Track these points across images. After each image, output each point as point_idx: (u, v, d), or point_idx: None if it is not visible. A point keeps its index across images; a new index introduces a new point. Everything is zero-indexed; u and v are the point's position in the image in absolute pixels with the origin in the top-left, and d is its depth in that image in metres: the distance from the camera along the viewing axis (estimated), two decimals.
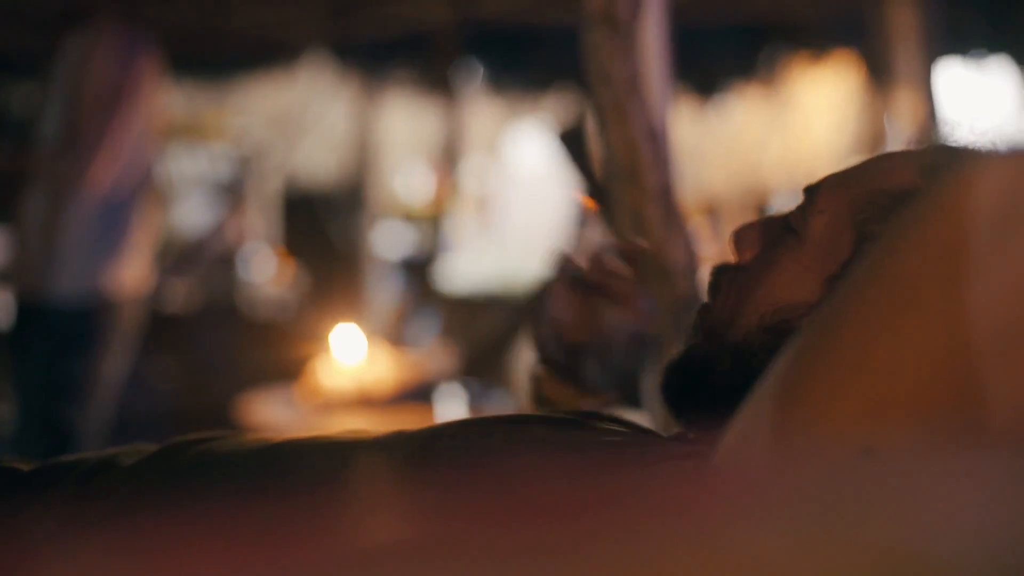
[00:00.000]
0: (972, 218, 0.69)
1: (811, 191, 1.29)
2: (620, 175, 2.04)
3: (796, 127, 8.10)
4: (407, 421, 4.25)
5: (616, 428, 1.18)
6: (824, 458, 0.62)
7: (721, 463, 0.89)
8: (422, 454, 1.12)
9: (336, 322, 5.02)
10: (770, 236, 1.31)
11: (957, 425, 0.66)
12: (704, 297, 1.34)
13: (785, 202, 8.75)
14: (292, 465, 1.14)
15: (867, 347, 0.73)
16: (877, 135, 7.04)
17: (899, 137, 6.57)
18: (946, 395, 0.67)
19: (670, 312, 2.01)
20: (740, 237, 1.34)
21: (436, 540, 0.53)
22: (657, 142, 2.04)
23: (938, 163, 1.24)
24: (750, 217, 8.06)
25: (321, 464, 1.13)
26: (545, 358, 1.46)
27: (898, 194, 1.23)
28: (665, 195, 2.04)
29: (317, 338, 5.24)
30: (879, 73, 6.22)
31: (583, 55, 2.07)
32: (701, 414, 1.22)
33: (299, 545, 0.53)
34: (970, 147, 1.25)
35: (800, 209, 1.29)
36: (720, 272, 1.34)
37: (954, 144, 1.28)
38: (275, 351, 6.60)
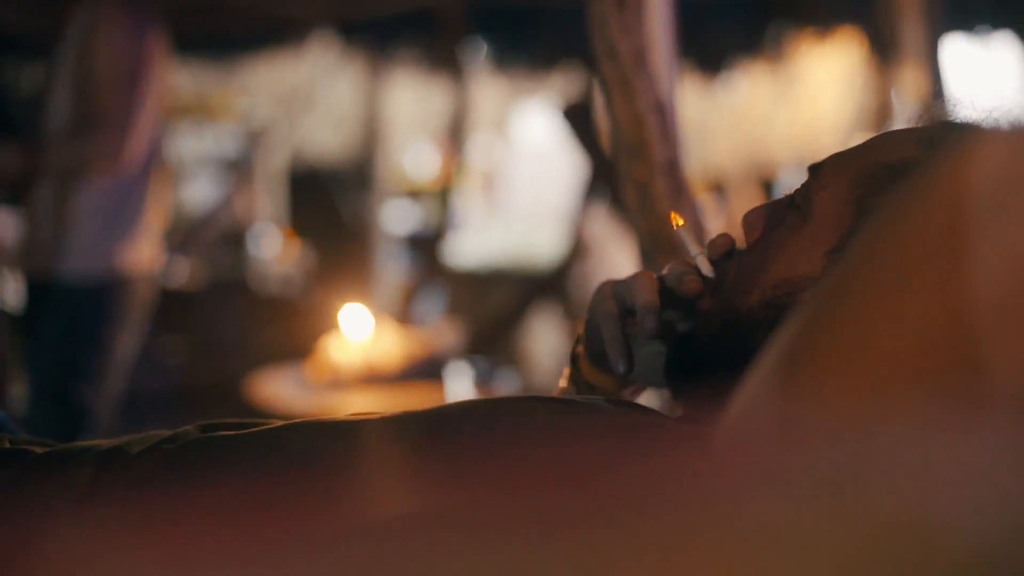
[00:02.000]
0: (970, 192, 0.69)
1: (815, 168, 1.30)
2: (627, 149, 2.05)
3: (802, 103, 8.09)
4: (416, 398, 4.27)
5: (623, 410, 1.18)
6: (827, 433, 0.62)
7: (723, 439, 0.90)
8: (429, 436, 1.12)
9: (344, 299, 5.03)
10: (775, 217, 1.32)
11: (959, 399, 0.66)
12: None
13: (791, 178, 8.75)
14: (299, 447, 1.14)
15: (867, 322, 0.73)
16: (882, 111, 7.03)
17: (905, 112, 6.56)
18: (947, 369, 0.67)
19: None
20: (747, 220, 1.35)
21: (443, 515, 0.54)
22: (664, 116, 2.05)
23: (938, 138, 1.25)
24: (756, 193, 8.06)
25: (329, 446, 1.14)
26: (588, 341, 1.45)
27: (898, 168, 1.24)
28: (672, 169, 2.04)
29: (326, 315, 5.25)
30: (884, 49, 6.21)
31: (589, 30, 2.07)
32: (704, 394, 1.23)
33: (308, 522, 0.54)
34: (971, 123, 1.26)
35: (804, 186, 1.30)
36: (726, 256, 1.35)
37: (956, 120, 1.28)
38: (284, 328, 6.62)
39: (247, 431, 1.19)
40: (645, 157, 2.03)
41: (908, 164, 1.23)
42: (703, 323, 1.30)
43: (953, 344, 0.68)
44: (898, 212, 0.75)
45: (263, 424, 1.22)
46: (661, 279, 1.36)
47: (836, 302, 0.78)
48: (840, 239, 1.22)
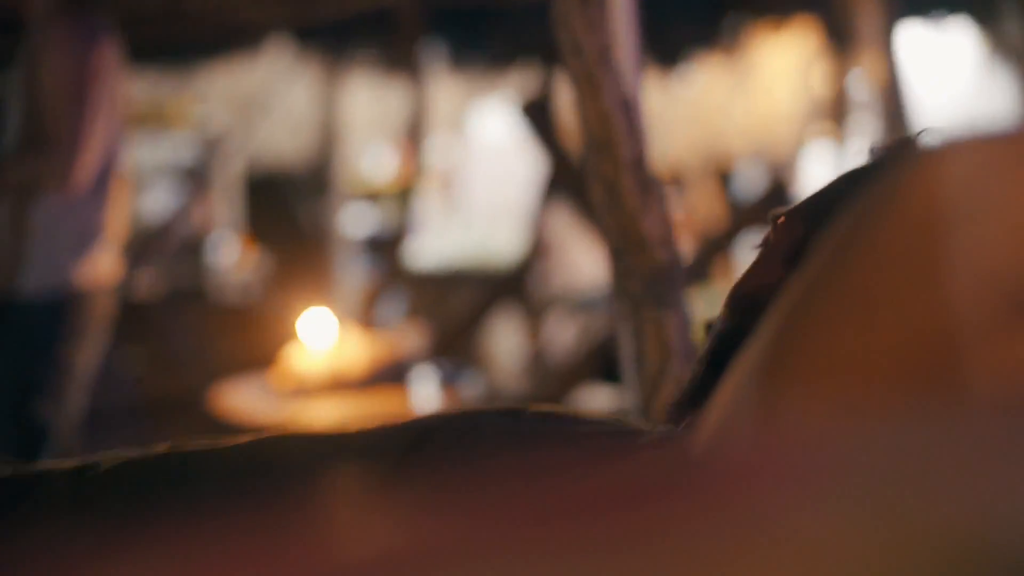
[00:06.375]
0: (940, 197, 0.69)
1: (776, 214, 1.33)
2: (594, 146, 2.04)
3: (758, 94, 8.12)
4: (382, 403, 4.24)
5: (605, 421, 1.18)
6: (818, 442, 0.60)
7: (705, 450, 0.88)
8: (412, 452, 1.11)
9: (306, 305, 5.00)
10: None
11: (941, 402, 0.66)
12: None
13: (748, 169, 8.80)
14: (277, 463, 1.12)
15: (844, 327, 0.73)
16: (839, 100, 7.05)
17: (861, 101, 6.59)
18: (928, 372, 0.68)
19: (646, 282, 2.01)
20: None
21: (428, 543, 0.51)
22: (630, 113, 2.04)
23: (896, 152, 1.26)
24: (714, 185, 8.09)
25: (306, 466, 1.12)
26: None
27: (849, 182, 1.26)
28: (639, 165, 2.04)
29: (287, 322, 5.22)
30: (840, 37, 6.23)
31: (552, 27, 2.07)
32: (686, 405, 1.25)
33: (287, 553, 0.51)
34: (928, 134, 1.26)
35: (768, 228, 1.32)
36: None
37: (911, 136, 1.29)
38: (245, 337, 6.58)
39: (221, 445, 1.17)
40: (612, 154, 2.02)
41: (859, 175, 1.25)
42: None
43: (932, 347, 0.68)
44: (867, 217, 0.75)
45: (233, 439, 1.20)
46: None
47: (810, 308, 0.77)
48: (794, 244, 1.24)
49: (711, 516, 0.45)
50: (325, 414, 4.23)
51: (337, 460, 1.12)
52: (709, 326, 1.33)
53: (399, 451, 1.11)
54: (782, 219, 1.29)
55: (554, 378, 5.63)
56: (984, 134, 0.75)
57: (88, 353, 3.84)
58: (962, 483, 0.44)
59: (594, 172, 2.05)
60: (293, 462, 1.12)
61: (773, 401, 0.76)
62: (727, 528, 0.44)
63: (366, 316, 6.78)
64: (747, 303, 1.25)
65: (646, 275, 2.00)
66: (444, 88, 8.25)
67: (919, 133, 1.27)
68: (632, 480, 0.70)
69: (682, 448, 1.01)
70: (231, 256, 8.51)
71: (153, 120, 9.09)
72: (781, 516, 0.44)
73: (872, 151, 1.31)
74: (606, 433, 1.12)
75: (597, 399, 5.46)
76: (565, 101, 6.12)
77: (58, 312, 3.73)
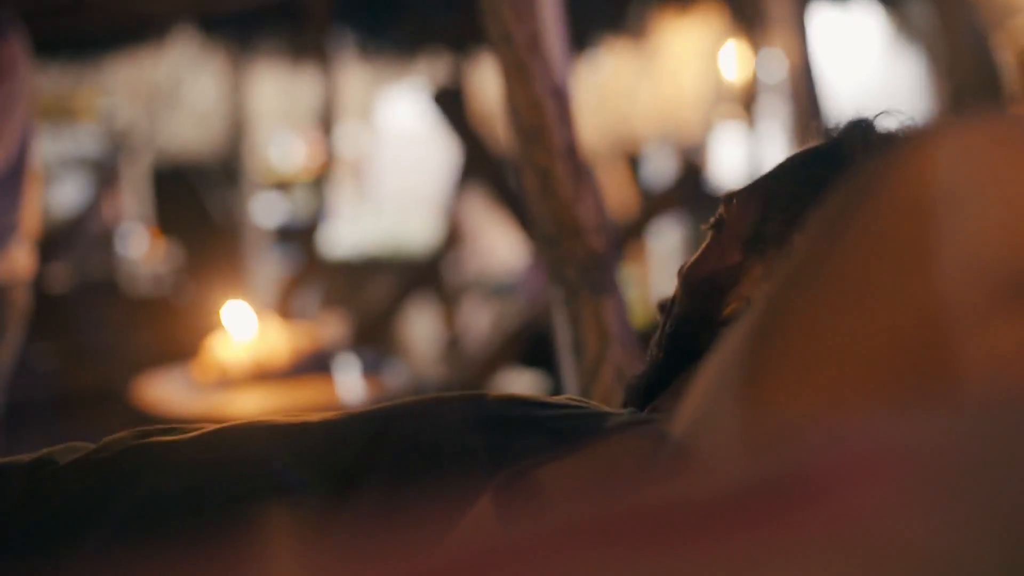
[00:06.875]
0: (928, 187, 0.69)
1: (728, 195, 1.33)
2: (525, 134, 2.05)
3: (665, 78, 8.14)
4: (305, 393, 4.22)
5: (565, 404, 1.18)
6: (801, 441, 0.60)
7: (685, 438, 0.87)
8: (374, 442, 1.10)
9: (221, 296, 4.97)
10: None
11: (932, 395, 0.66)
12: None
13: (655, 152, 8.84)
14: (237, 464, 1.11)
15: (831, 323, 0.71)
16: (748, 83, 7.10)
17: (770, 83, 6.65)
18: (918, 366, 0.67)
19: (582, 269, 2.03)
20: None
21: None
22: (561, 100, 2.05)
23: (859, 135, 1.27)
24: (622, 168, 8.10)
25: (268, 461, 1.11)
26: None
27: (804, 161, 1.28)
28: (572, 153, 2.05)
29: (202, 314, 5.19)
30: (748, 20, 6.27)
31: (460, 15, 2.09)
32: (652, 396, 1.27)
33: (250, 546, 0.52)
34: (904, 121, 1.27)
35: (717, 212, 1.33)
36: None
37: (870, 122, 1.30)
38: (161, 329, 6.53)
39: (181, 439, 1.16)
40: (545, 142, 2.03)
41: (819, 160, 1.27)
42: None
43: (925, 334, 0.67)
44: (855, 203, 0.73)
45: (197, 428, 1.19)
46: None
47: (795, 296, 0.75)
48: (750, 228, 1.25)
49: (706, 511, 0.46)
50: (249, 405, 4.21)
51: (298, 453, 1.11)
52: (663, 308, 1.35)
53: (362, 441, 1.11)
54: (735, 201, 1.30)
55: (473, 364, 5.64)
56: (973, 118, 0.74)
57: (6, 348, 3.79)
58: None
59: (527, 160, 2.06)
60: (255, 457, 1.11)
61: (758, 391, 0.74)
62: (721, 524, 0.44)
63: (284, 306, 6.75)
64: (705, 286, 1.27)
65: (582, 262, 2.02)
66: (353, 76, 8.20)
67: (877, 115, 1.28)
68: (617, 469, 0.71)
69: (659, 435, 1.00)
70: (140, 248, 8.42)
71: (59, 113, 8.96)
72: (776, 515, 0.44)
73: (826, 133, 1.33)
74: (570, 416, 1.11)
75: (516, 384, 5.48)
76: (477, 88, 6.12)
77: None
